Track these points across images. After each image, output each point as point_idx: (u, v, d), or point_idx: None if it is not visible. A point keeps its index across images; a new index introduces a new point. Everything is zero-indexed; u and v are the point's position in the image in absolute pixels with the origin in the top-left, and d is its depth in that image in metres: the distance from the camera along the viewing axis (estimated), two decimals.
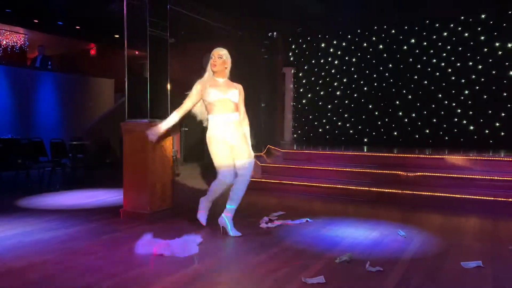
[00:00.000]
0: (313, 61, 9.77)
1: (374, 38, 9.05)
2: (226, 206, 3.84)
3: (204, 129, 3.90)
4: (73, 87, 11.25)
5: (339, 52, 9.47)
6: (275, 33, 9.51)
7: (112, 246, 3.57)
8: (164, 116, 4.52)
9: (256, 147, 8.18)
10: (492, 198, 5.13)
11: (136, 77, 4.66)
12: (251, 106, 9.19)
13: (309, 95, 9.84)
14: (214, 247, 3.49)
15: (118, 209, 4.73)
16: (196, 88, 3.82)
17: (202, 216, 4.04)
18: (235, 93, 3.85)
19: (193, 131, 9.77)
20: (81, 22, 10.05)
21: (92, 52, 13.78)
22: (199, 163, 9.36)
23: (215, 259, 3.21)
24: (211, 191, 3.93)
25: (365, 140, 9.16)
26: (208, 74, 3.88)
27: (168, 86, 4.75)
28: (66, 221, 4.41)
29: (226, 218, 3.83)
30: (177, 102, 3.98)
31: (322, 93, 9.67)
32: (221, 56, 3.84)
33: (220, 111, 3.77)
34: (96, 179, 7.58)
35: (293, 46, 9.98)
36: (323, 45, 9.66)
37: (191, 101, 3.84)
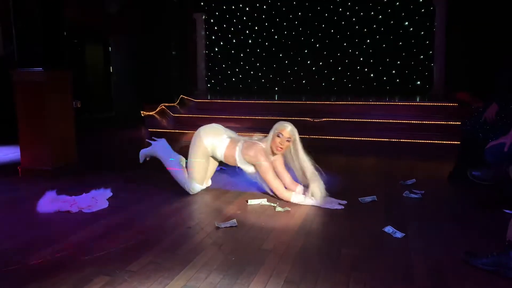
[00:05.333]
0: (224, 7, 9.49)
1: None
2: None
3: None
4: None
5: None
6: None
7: (10, 206, 3.31)
8: (60, 63, 4.14)
9: (168, 97, 8.04)
10: (387, 140, 5.67)
11: (26, 19, 4.13)
12: (162, 54, 8.81)
13: (221, 43, 9.64)
14: (125, 201, 3.40)
15: (16, 167, 4.35)
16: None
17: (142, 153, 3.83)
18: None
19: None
20: None
21: None
22: None
23: (126, 212, 3.14)
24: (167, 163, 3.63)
25: (276, 88, 9.35)
26: (266, 147, 3.38)
27: (64, 30, 4.30)
28: None
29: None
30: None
31: (234, 41, 9.53)
32: (289, 139, 3.36)
33: None
34: None
35: None
36: None
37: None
